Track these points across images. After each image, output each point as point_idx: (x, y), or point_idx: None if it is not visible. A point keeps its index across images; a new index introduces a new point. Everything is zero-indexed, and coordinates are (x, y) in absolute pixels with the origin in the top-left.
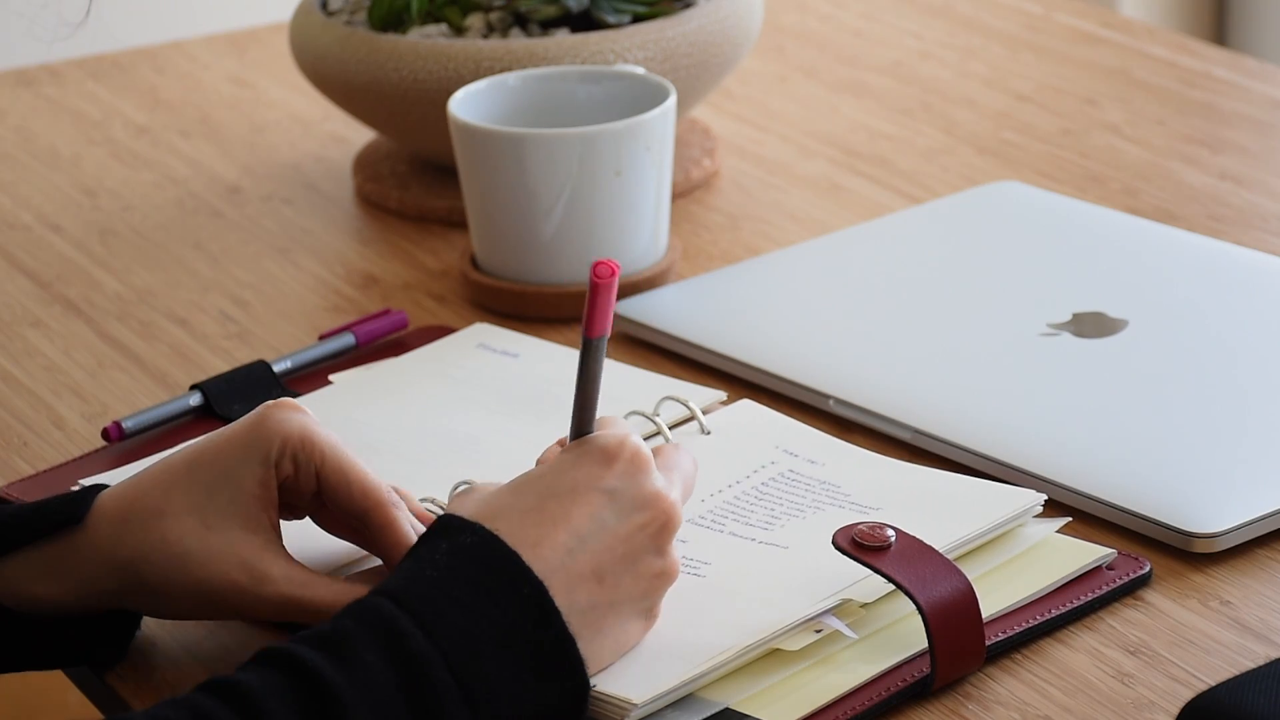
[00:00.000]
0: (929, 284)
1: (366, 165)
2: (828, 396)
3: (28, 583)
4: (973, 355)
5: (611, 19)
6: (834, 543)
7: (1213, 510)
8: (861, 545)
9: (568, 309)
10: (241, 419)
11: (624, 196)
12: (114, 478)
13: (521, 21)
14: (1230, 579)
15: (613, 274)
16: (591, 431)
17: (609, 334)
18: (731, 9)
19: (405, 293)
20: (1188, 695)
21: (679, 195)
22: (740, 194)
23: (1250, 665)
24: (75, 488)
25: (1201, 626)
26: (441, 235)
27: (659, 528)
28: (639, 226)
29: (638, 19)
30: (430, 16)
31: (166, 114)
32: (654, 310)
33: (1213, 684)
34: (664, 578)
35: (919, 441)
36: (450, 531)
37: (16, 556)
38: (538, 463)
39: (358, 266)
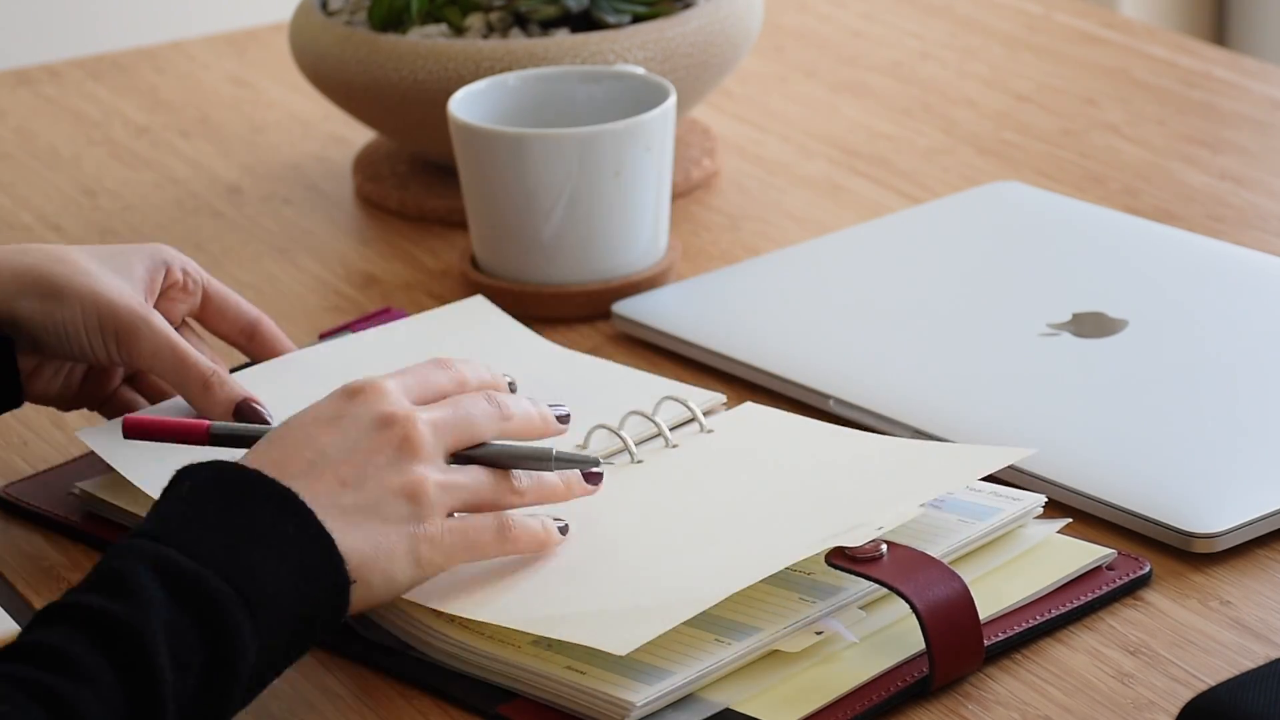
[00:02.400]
0: (929, 284)
1: (366, 165)
2: (828, 396)
3: None
4: (973, 355)
5: (611, 19)
6: (828, 561)
7: (1213, 510)
8: (855, 559)
9: (568, 309)
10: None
11: (624, 196)
12: (115, 478)
13: (521, 21)
14: (1230, 579)
15: (139, 421)
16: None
17: (210, 423)
18: (731, 9)
19: (405, 293)
20: (1188, 695)
21: (679, 195)
22: (740, 194)
23: (1250, 665)
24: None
25: (1201, 626)
26: (441, 235)
27: (399, 440)
28: (639, 227)
29: (638, 19)
30: (430, 16)
31: (166, 114)
32: (654, 310)
33: (1213, 684)
34: (412, 491)
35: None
36: (189, 473)
37: None
38: None
39: (358, 266)
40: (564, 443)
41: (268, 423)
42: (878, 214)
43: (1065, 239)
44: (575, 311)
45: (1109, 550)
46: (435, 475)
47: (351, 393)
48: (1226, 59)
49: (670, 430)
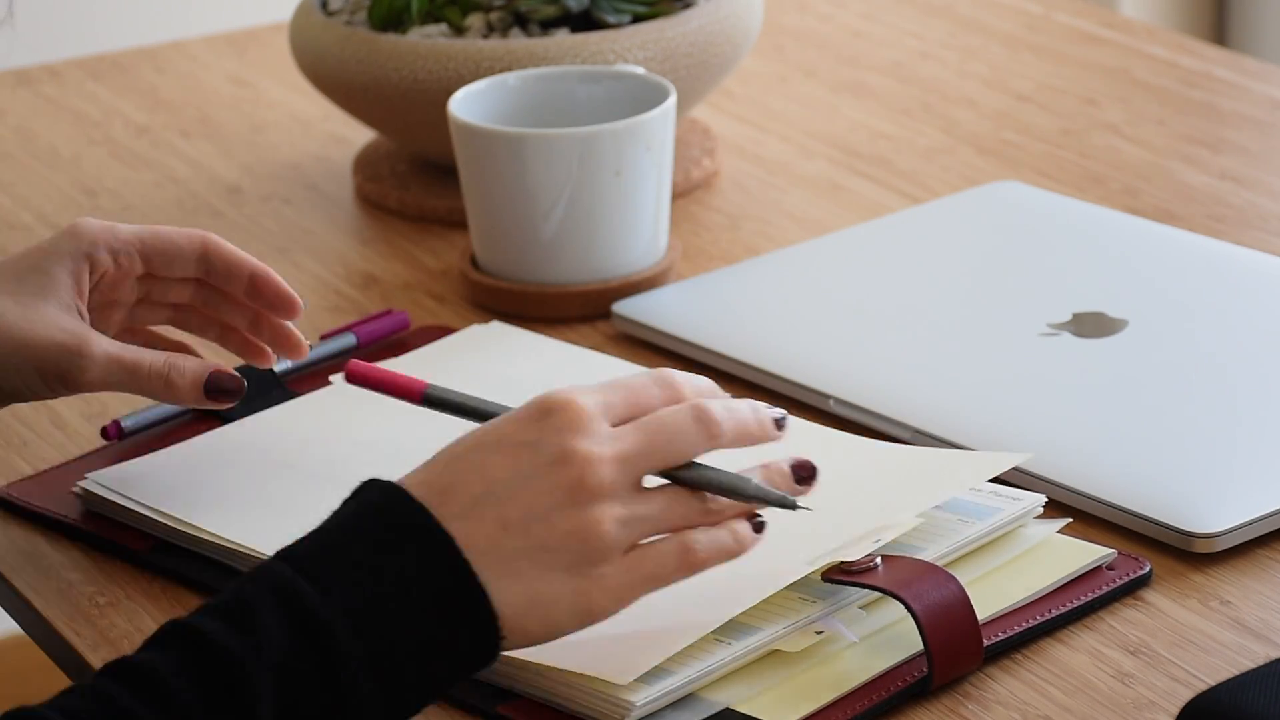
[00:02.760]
0: (929, 284)
1: (366, 165)
2: (828, 396)
3: None
4: (973, 355)
5: (611, 19)
6: (824, 577)
7: (1213, 510)
8: (850, 571)
9: (568, 309)
10: (51, 237)
11: (624, 196)
12: (114, 477)
13: (521, 21)
14: (1230, 579)
15: (356, 370)
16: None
17: (426, 386)
18: (731, 9)
19: (405, 293)
20: (1188, 695)
21: (679, 195)
22: (740, 194)
23: (1250, 665)
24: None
25: (1201, 626)
26: (441, 235)
27: (573, 482)
28: (639, 226)
29: (638, 19)
30: (430, 16)
31: (166, 114)
32: (654, 310)
33: (1213, 684)
34: (584, 535)
35: (919, 441)
36: (362, 490)
37: None
38: None
39: (358, 266)
40: None
41: (243, 384)
42: (878, 214)
43: (1065, 239)
44: (575, 311)
45: (1109, 550)
46: (616, 511)
47: (544, 411)
48: (1226, 59)
49: None
